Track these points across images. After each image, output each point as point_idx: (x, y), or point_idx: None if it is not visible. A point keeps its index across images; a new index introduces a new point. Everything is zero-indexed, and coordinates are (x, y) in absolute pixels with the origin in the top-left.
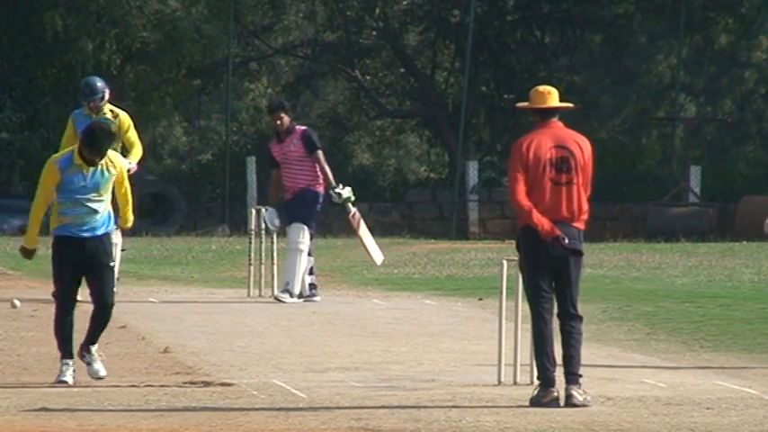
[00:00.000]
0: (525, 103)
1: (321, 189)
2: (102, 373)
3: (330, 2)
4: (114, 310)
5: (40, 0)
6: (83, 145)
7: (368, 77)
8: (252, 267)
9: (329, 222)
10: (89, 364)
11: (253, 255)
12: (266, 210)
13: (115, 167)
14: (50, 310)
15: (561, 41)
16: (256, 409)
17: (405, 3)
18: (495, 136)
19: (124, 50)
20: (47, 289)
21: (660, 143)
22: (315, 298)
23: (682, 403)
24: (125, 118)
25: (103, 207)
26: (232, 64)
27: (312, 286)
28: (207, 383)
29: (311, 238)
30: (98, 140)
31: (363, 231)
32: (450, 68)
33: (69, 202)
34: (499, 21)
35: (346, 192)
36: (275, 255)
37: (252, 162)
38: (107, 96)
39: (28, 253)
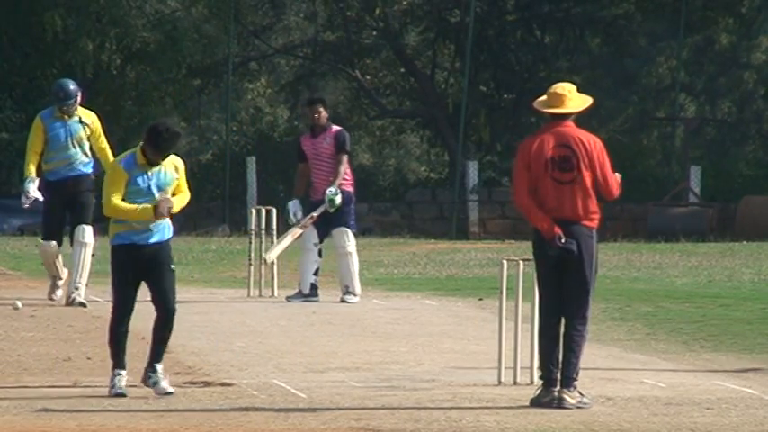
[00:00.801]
0: (542, 100)
1: (351, 188)
2: (171, 389)
3: (330, 2)
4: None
5: (39, 0)
6: (147, 145)
7: (368, 77)
8: (252, 267)
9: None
10: (155, 383)
11: (253, 255)
12: (291, 201)
13: (177, 170)
14: (50, 310)
15: (561, 42)
16: (256, 410)
17: (405, 3)
18: (495, 136)
19: (124, 50)
20: (47, 289)
21: (660, 143)
22: (314, 298)
23: (682, 403)
24: (97, 122)
25: None
26: (232, 64)
27: (313, 287)
28: (207, 383)
29: (355, 237)
30: (164, 141)
31: (295, 234)
32: (450, 68)
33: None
34: (499, 21)
35: (338, 200)
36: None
37: (252, 162)
38: (79, 99)
39: (164, 205)
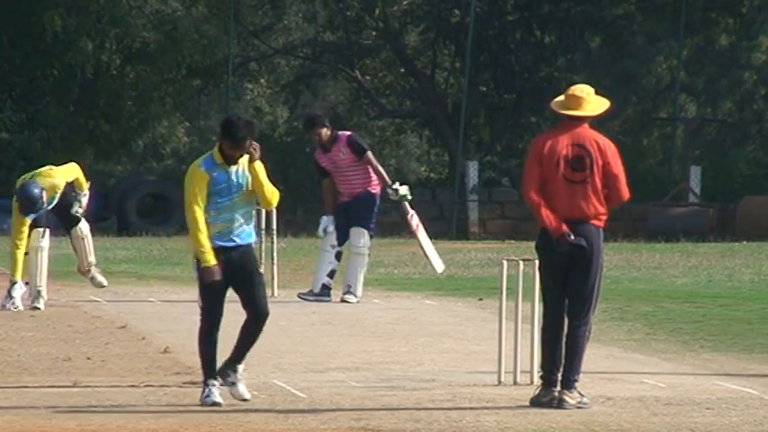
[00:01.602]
0: (559, 101)
1: (377, 190)
2: (248, 395)
3: (330, 2)
4: (114, 310)
5: (39, 0)
6: (225, 139)
7: (368, 77)
8: None
9: None
10: (233, 384)
11: None
12: (325, 217)
13: (250, 168)
14: (50, 310)
15: (561, 42)
16: (256, 410)
17: (405, 3)
18: (495, 136)
19: (124, 50)
20: (47, 289)
21: (660, 143)
22: (325, 298)
23: (682, 403)
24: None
25: (248, 211)
26: (232, 64)
27: (325, 287)
28: None
29: (370, 239)
30: (240, 130)
31: (423, 236)
32: (450, 68)
33: (213, 209)
34: (499, 21)
35: (403, 189)
36: (275, 255)
37: None
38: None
39: (211, 273)
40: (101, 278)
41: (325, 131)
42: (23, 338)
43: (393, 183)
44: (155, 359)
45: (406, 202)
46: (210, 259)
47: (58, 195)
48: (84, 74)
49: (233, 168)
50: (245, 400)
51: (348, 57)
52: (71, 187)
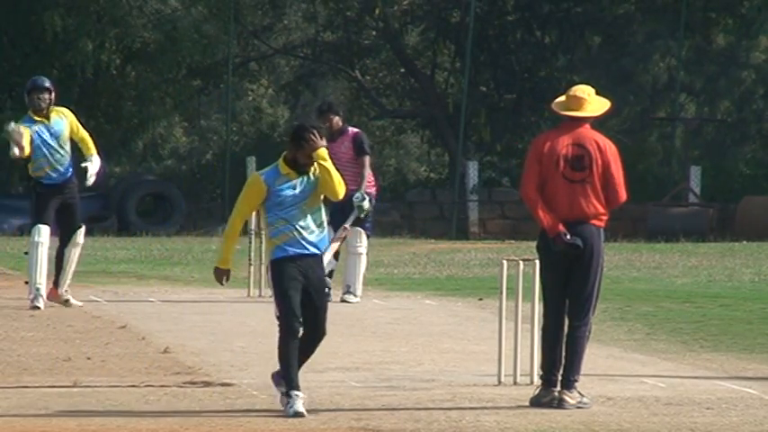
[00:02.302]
0: (560, 102)
1: (373, 190)
2: (302, 410)
3: (330, 2)
4: (114, 310)
5: (39, 0)
6: (294, 147)
7: (368, 77)
8: (252, 267)
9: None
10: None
11: (253, 255)
12: None
13: (314, 173)
14: (50, 310)
15: (561, 42)
16: (256, 410)
17: (405, 3)
18: (495, 136)
19: (124, 50)
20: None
21: (660, 143)
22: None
23: (682, 403)
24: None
25: (318, 215)
26: (232, 64)
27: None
28: (207, 383)
29: (367, 238)
30: (316, 138)
31: (335, 245)
32: (450, 68)
33: (280, 220)
34: (499, 21)
35: (366, 205)
36: None
37: (252, 162)
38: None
39: (221, 274)
40: (75, 302)
41: (337, 120)
42: (23, 338)
43: (363, 199)
44: (155, 359)
45: (360, 216)
46: (227, 262)
47: (60, 141)
48: (84, 74)
49: (300, 178)
50: (297, 414)
51: (348, 57)
52: (78, 183)
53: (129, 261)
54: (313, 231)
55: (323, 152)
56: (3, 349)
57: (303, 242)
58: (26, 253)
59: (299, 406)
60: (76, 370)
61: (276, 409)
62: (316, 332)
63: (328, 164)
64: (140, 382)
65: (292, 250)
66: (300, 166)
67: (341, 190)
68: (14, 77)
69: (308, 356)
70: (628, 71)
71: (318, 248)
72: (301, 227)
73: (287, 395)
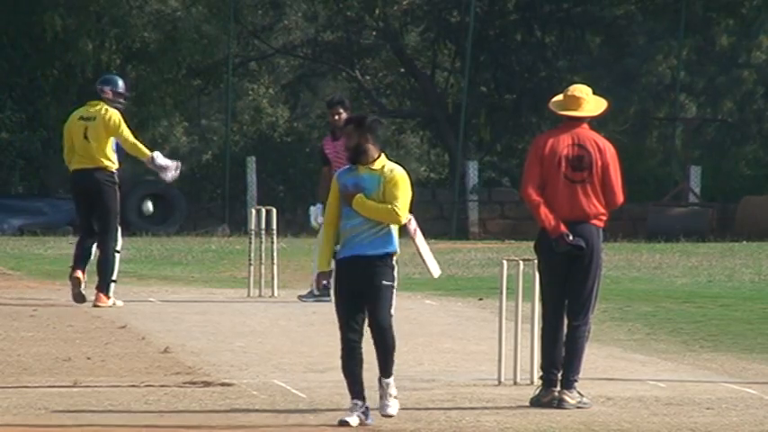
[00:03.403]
0: (558, 102)
1: None
2: (390, 411)
3: (330, 2)
4: (114, 310)
5: (39, 0)
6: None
7: (368, 77)
8: (252, 267)
9: None
10: (381, 396)
11: (253, 255)
12: (315, 206)
13: (388, 180)
14: (50, 310)
15: (562, 42)
16: (256, 410)
17: (405, 3)
18: (495, 136)
19: (124, 50)
20: (47, 289)
21: (660, 143)
22: (326, 298)
23: (682, 403)
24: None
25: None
26: (232, 64)
27: (325, 287)
28: (207, 383)
29: None
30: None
31: (420, 240)
32: (450, 68)
33: (344, 216)
34: (499, 21)
35: None
36: (275, 255)
37: (252, 162)
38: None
39: (321, 278)
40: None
41: (344, 115)
42: (23, 338)
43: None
44: (155, 359)
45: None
46: (322, 265)
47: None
48: (84, 74)
49: (362, 172)
50: (386, 415)
51: (348, 57)
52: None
53: (129, 261)
54: (367, 233)
55: (400, 174)
56: (3, 349)
57: (353, 243)
58: (117, 251)
59: (352, 416)
60: (76, 370)
61: (276, 409)
62: (375, 326)
63: (391, 183)
64: (140, 382)
65: (345, 252)
66: (351, 156)
67: (389, 219)
68: (14, 77)
69: (385, 353)
70: (629, 71)
71: (371, 251)
72: (353, 225)
73: (351, 403)
